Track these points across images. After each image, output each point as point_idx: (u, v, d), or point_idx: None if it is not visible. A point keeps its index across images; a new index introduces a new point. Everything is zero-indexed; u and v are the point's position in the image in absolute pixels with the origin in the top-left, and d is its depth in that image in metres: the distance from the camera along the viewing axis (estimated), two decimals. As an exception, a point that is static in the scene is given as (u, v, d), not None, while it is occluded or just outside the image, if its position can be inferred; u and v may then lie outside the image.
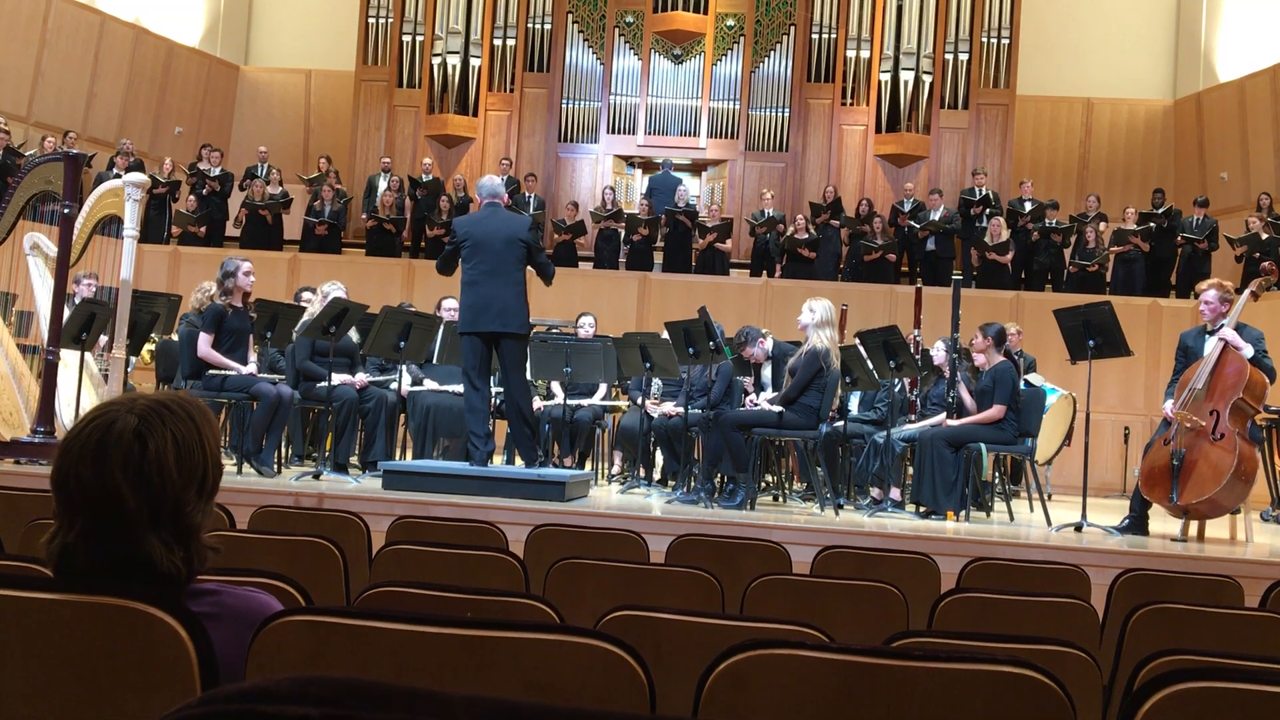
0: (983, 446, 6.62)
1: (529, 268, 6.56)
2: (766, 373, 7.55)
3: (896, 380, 7.11)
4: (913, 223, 12.69)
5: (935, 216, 12.48)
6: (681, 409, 7.21)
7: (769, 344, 7.54)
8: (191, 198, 13.19)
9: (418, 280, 12.11)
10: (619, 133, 14.46)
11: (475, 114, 14.61)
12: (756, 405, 7.16)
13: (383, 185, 13.49)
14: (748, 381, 7.74)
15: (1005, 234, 12.28)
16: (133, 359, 7.62)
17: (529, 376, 7.70)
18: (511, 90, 14.61)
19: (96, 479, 1.50)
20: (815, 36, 14.27)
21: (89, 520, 1.52)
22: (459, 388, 7.73)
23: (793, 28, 14.31)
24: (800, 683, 1.61)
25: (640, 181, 14.49)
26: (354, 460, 7.60)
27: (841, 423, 7.26)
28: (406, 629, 1.55)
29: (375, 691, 0.62)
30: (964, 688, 1.62)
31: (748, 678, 1.61)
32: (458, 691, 0.61)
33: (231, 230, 13.39)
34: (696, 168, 14.76)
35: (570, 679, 1.55)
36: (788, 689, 1.62)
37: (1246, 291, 6.29)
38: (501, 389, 6.77)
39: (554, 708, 0.61)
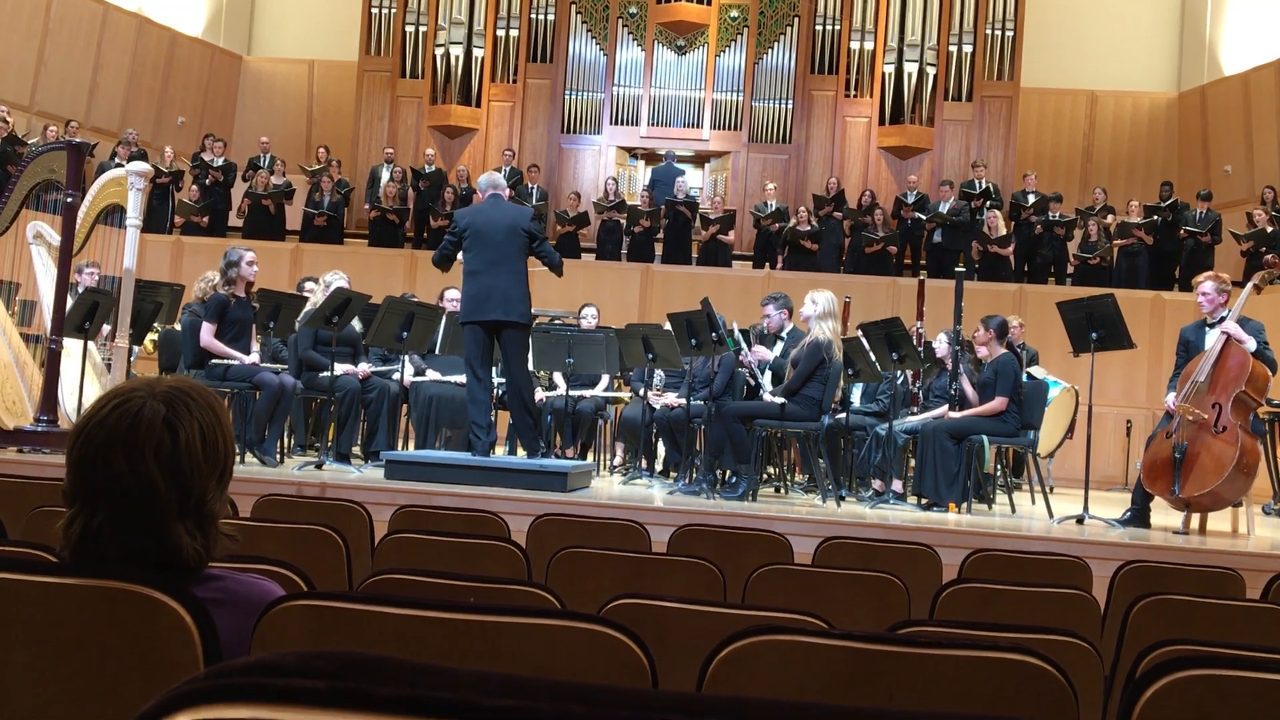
0: (985, 439, 6.62)
1: (534, 261, 6.58)
2: (777, 349, 7.49)
3: (899, 372, 7.11)
4: (920, 214, 12.68)
5: (944, 208, 12.44)
6: (684, 400, 7.21)
7: (789, 324, 7.49)
8: (194, 188, 13.20)
9: (420, 271, 12.11)
10: (622, 124, 14.44)
11: (478, 105, 14.60)
12: (756, 352, 7.14)
13: (385, 176, 13.49)
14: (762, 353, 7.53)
15: (1003, 227, 12.27)
16: (135, 348, 7.64)
17: (531, 367, 7.70)
18: (514, 81, 14.61)
19: (130, 467, 1.49)
20: (819, 28, 14.25)
21: (115, 508, 1.51)
22: (461, 378, 7.74)
23: (796, 19, 14.29)
24: (803, 669, 1.62)
25: (643, 173, 14.48)
26: (356, 450, 7.60)
27: (844, 414, 7.26)
28: (409, 614, 1.55)
29: (381, 665, 0.62)
30: (966, 675, 1.62)
31: (750, 664, 1.62)
32: (464, 667, 0.62)
33: (234, 220, 13.40)
34: (699, 159, 14.75)
35: (572, 664, 1.55)
36: (790, 675, 1.62)
37: (1249, 284, 6.29)
38: (504, 379, 6.78)
39: (559, 682, 0.61)
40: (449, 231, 6.64)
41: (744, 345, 7.33)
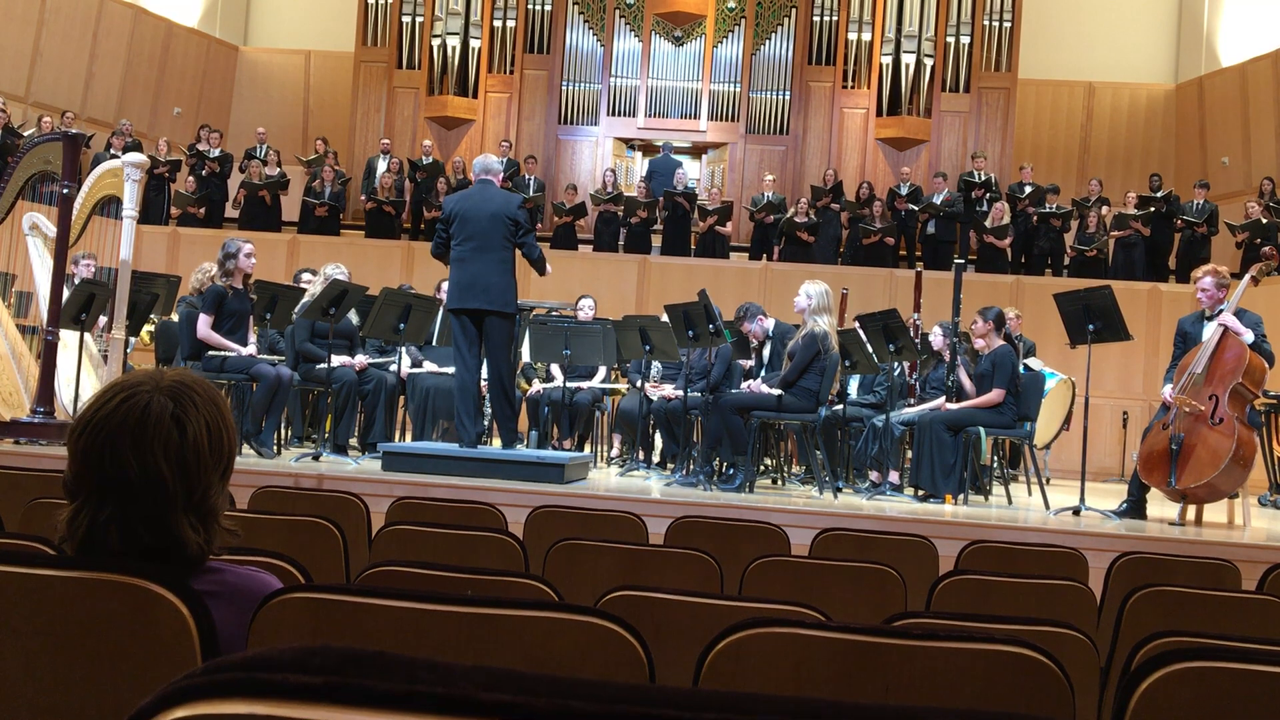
0: (981, 430, 6.63)
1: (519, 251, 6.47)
2: (765, 353, 7.54)
3: (896, 364, 7.11)
4: (912, 205, 12.67)
5: (938, 200, 12.43)
6: (681, 392, 7.21)
7: (769, 323, 7.53)
8: (190, 179, 13.17)
9: (417, 262, 12.09)
10: (619, 115, 14.42)
11: (475, 96, 14.56)
12: (751, 388, 7.16)
13: (382, 167, 13.46)
14: (748, 366, 7.72)
15: (1007, 218, 12.25)
16: (132, 340, 7.62)
17: (527, 359, 7.67)
18: (511, 72, 14.57)
19: (138, 462, 1.49)
20: (816, 19, 14.22)
21: (122, 502, 1.52)
22: (458, 370, 7.73)
23: (794, 10, 14.26)
24: (799, 661, 1.62)
25: (640, 164, 14.46)
26: (353, 442, 7.60)
27: (841, 406, 7.27)
28: (407, 606, 1.55)
29: (378, 661, 0.62)
30: (962, 667, 1.62)
31: (747, 656, 1.62)
32: (461, 662, 0.62)
33: (230, 211, 13.37)
34: (697, 151, 14.72)
35: (570, 657, 1.55)
36: (787, 668, 1.62)
37: (1247, 277, 6.29)
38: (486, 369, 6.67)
39: (557, 677, 0.61)
40: (440, 220, 6.52)
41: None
